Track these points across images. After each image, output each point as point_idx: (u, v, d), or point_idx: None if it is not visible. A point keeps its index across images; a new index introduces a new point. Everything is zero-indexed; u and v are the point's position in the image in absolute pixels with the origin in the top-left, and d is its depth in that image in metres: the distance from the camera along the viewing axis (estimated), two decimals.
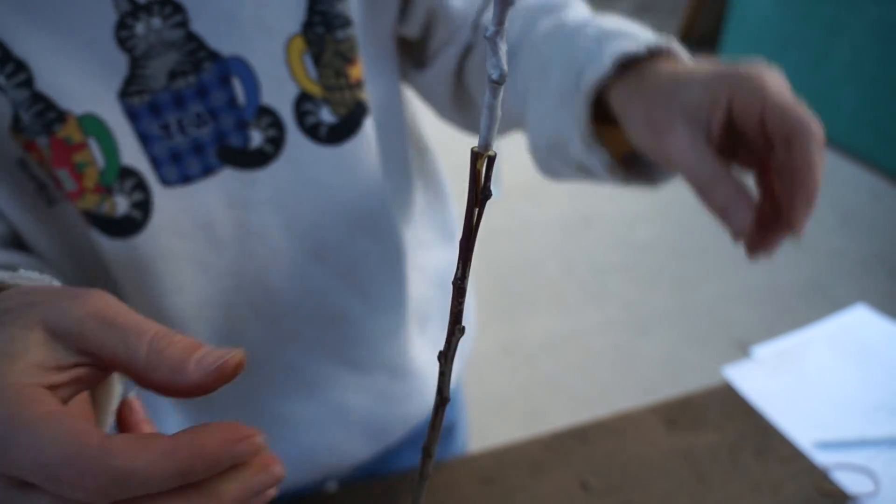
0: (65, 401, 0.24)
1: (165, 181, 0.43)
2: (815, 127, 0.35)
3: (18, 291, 0.27)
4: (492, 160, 0.19)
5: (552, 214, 2.65)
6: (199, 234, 0.45)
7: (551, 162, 0.51)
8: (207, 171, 0.44)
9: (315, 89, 0.44)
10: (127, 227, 0.42)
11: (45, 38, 0.37)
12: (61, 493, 0.22)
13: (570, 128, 0.45)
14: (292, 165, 0.45)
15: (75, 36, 0.37)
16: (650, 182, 0.48)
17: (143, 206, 0.43)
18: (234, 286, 0.48)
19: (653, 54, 0.43)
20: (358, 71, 0.45)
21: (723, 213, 0.36)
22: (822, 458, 0.66)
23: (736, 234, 0.36)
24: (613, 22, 0.47)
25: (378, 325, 0.57)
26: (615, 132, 0.45)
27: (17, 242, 0.45)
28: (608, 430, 0.68)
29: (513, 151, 0.91)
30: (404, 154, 0.57)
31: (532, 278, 2.30)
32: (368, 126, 0.47)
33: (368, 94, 0.47)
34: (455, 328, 0.23)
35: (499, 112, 0.18)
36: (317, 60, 0.43)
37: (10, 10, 0.36)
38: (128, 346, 0.24)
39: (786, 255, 2.45)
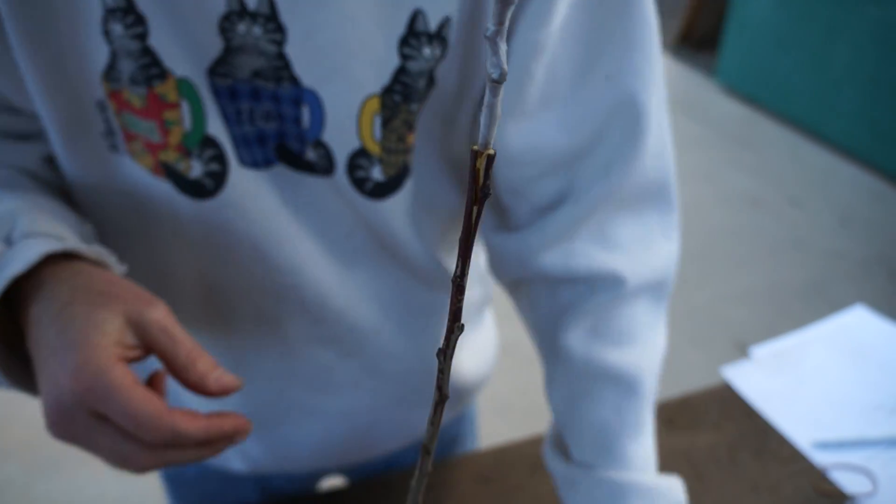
0: None
1: (241, 161, 0.45)
2: None
3: (103, 279, 0.38)
4: (491, 158, 0.19)
5: None
6: (261, 220, 0.47)
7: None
8: (268, 162, 0.46)
9: (374, 149, 0.45)
10: (197, 190, 0.45)
11: (165, 2, 0.39)
12: (132, 433, 0.34)
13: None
14: (334, 192, 0.47)
15: (187, 8, 0.40)
16: None
17: (217, 178, 0.45)
18: (271, 278, 0.50)
19: None
20: (413, 137, 0.46)
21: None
22: (820, 458, 0.66)
23: None
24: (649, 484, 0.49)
25: (401, 341, 0.58)
26: None
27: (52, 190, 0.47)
28: None
29: None
30: (451, 204, 0.56)
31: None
32: (408, 185, 0.48)
33: (418, 156, 0.48)
34: (454, 326, 0.23)
35: (499, 110, 0.18)
36: (385, 123, 0.44)
37: None
38: (174, 352, 0.37)
39: (785, 255, 2.45)
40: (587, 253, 0.49)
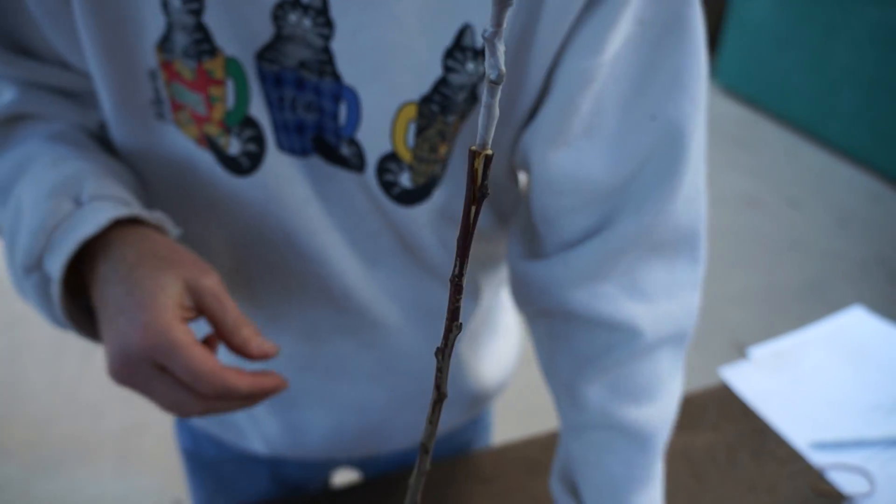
0: None
1: (280, 145, 0.46)
2: None
3: (165, 245, 0.42)
4: (489, 159, 0.19)
5: None
6: (295, 206, 0.48)
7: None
8: (304, 151, 0.47)
9: (406, 155, 0.46)
10: (234, 166, 0.47)
11: None
12: (189, 384, 0.38)
13: None
14: (363, 190, 0.48)
15: None
16: None
17: (254, 158, 0.46)
18: (298, 263, 0.51)
19: None
20: (446, 149, 0.46)
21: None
22: (818, 458, 0.66)
23: None
24: None
25: (420, 341, 0.58)
26: None
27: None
28: None
29: None
30: (479, 224, 0.57)
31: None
32: (436, 196, 0.48)
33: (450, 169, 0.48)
34: (452, 325, 0.24)
35: (496, 111, 0.18)
36: (419, 131, 0.45)
37: None
38: (223, 317, 0.41)
39: (783, 256, 2.45)
40: (614, 299, 0.49)
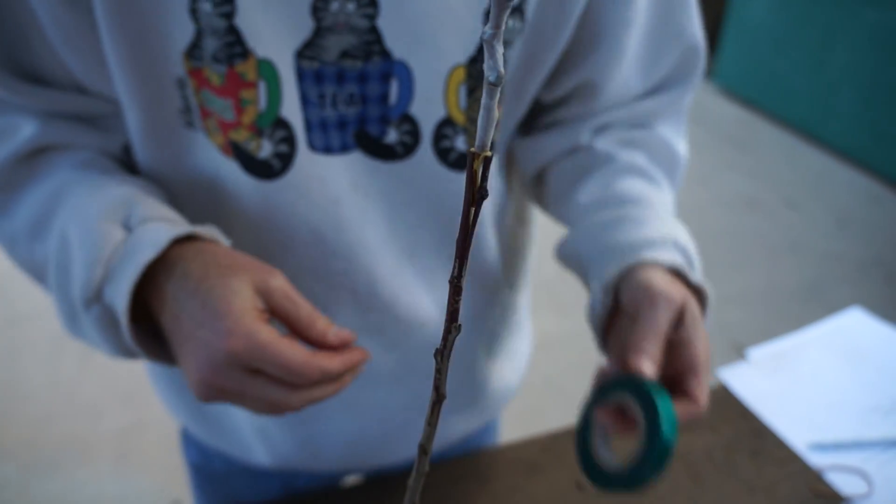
0: None
1: (312, 145, 0.46)
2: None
3: (224, 253, 0.42)
4: (488, 160, 0.19)
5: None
6: (325, 205, 0.48)
7: (566, 259, 0.57)
8: (344, 148, 0.47)
9: (460, 118, 0.47)
10: (263, 170, 0.47)
11: None
12: (285, 379, 0.39)
13: (594, 276, 0.52)
14: (414, 172, 0.49)
15: None
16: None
17: (285, 160, 0.46)
18: (325, 262, 0.51)
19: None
20: (498, 112, 0.46)
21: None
22: (816, 459, 0.66)
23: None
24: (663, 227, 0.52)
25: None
26: None
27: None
28: None
29: None
30: (504, 196, 0.59)
31: (530, 279, 2.30)
32: (493, 163, 0.50)
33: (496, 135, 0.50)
34: (451, 326, 0.24)
35: (496, 113, 0.18)
36: (470, 92, 0.46)
37: None
38: (297, 314, 0.41)
39: (781, 257, 2.45)
40: (619, 131, 0.57)
